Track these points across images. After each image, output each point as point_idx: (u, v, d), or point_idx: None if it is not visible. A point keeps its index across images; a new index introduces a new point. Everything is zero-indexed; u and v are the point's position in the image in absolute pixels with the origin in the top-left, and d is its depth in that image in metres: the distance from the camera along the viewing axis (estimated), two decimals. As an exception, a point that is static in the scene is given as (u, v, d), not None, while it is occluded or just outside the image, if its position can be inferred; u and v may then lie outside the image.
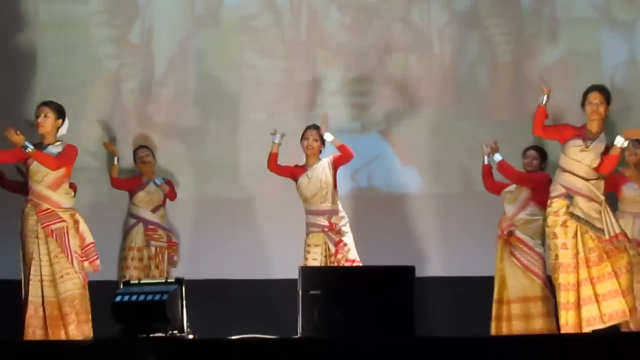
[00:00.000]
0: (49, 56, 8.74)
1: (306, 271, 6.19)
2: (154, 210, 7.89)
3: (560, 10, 8.77)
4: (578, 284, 6.71)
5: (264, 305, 7.74)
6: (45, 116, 7.06)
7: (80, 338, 6.85)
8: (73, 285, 6.95)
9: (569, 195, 6.74)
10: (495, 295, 7.37)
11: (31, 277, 6.90)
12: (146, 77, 8.81)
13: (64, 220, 7.05)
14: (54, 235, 6.98)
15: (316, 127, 7.60)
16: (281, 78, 8.80)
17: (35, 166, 6.91)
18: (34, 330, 6.85)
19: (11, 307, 7.30)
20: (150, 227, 7.82)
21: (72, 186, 7.13)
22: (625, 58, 8.74)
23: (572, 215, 6.70)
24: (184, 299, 5.95)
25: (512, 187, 7.46)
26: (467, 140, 8.46)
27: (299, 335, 5.78)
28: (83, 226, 7.12)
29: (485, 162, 7.53)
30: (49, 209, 6.98)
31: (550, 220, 6.75)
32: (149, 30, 8.85)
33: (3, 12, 8.68)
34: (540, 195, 7.17)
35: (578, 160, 6.69)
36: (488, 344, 5.82)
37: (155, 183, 7.94)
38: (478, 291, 7.71)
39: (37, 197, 6.93)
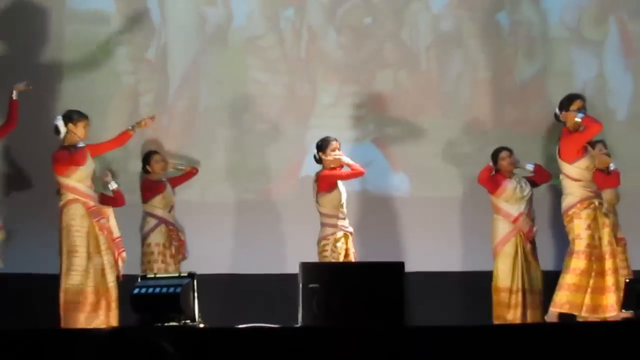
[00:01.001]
0: (74, 72, 8.71)
1: (306, 266, 6.22)
2: (169, 211, 7.88)
3: (535, 31, 8.77)
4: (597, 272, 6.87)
5: (267, 297, 7.74)
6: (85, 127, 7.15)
7: (110, 326, 6.92)
8: (113, 277, 7.04)
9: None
10: (506, 284, 7.42)
11: (77, 267, 6.96)
12: (161, 91, 8.77)
13: (105, 217, 7.14)
14: (104, 230, 7.07)
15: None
16: (283, 92, 8.77)
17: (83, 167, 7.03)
18: (68, 317, 6.91)
19: (43, 298, 7.38)
20: (170, 227, 7.80)
21: None
22: (594, 74, 8.73)
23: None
24: (195, 291, 5.97)
25: (513, 187, 7.54)
26: (452, 148, 8.50)
27: (299, 324, 5.84)
28: (113, 221, 7.19)
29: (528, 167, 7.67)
30: (94, 205, 7.06)
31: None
32: (164, 48, 8.81)
33: (33, 33, 8.63)
34: None
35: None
36: (471, 333, 5.86)
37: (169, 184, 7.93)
38: (461, 284, 7.78)
39: (82, 195, 7.02)
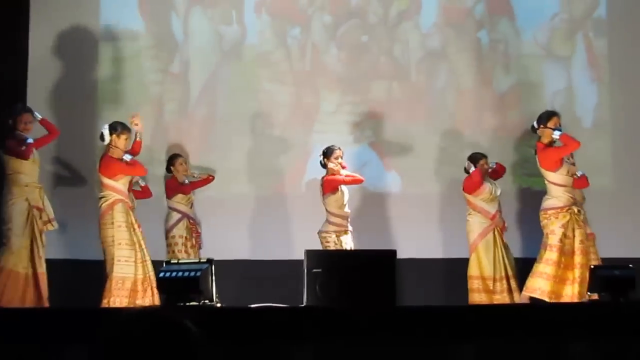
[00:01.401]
0: (108, 83, 8.71)
1: (310, 254, 6.22)
2: (190, 207, 7.84)
3: (511, 47, 8.76)
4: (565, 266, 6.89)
5: (276, 281, 7.74)
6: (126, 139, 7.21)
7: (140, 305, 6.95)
8: (151, 266, 7.09)
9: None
10: (488, 273, 7.40)
11: (121, 258, 7.00)
12: (183, 100, 8.76)
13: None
14: (140, 225, 7.13)
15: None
16: (290, 100, 8.75)
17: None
18: (115, 299, 6.94)
19: (85, 280, 7.41)
20: (192, 221, 7.77)
21: None
22: (563, 86, 8.71)
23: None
24: (213, 275, 5.97)
25: (489, 188, 7.53)
26: (437, 151, 8.50)
27: (304, 304, 5.85)
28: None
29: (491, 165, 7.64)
30: (132, 205, 7.13)
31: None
32: (186, 62, 8.81)
33: (72, 50, 8.63)
34: None
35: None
36: (454, 312, 5.86)
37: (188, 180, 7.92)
38: (445, 269, 7.78)
39: (125, 196, 7.11)
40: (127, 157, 7.21)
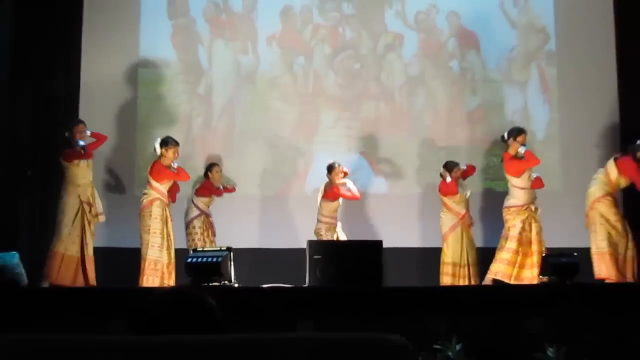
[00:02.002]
0: (145, 103, 8.69)
1: (311, 243, 6.24)
2: (208, 206, 7.76)
3: (478, 74, 8.74)
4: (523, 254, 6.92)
5: (283, 265, 7.72)
6: (166, 151, 7.21)
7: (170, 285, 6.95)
8: (174, 254, 7.11)
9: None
10: (455, 260, 7.36)
11: (154, 244, 7.05)
12: (208, 116, 8.72)
13: None
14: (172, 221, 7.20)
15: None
16: (295, 117, 8.72)
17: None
18: (147, 278, 6.98)
19: (123, 264, 7.40)
20: (209, 218, 7.72)
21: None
22: (520, 105, 8.69)
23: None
24: (232, 260, 5.98)
25: (462, 192, 7.51)
26: (417, 159, 8.48)
27: (306, 285, 5.84)
28: None
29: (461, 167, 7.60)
30: (168, 203, 7.15)
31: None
32: (210, 85, 8.77)
33: (116, 74, 8.62)
34: None
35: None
36: (430, 292, 5.86)
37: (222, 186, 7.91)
38: (423, 256, 7.76)
39: (163, 195, 7.19)
40: (175, 165, 7.30)
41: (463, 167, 7.66)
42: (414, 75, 8.80)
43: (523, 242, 6.99)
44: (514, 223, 7.05)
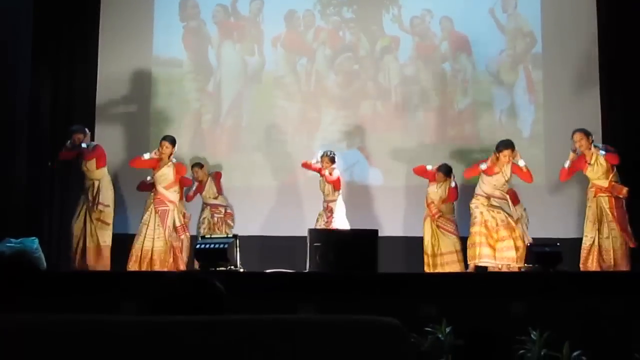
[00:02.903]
0: (158, 100, 8.68)
1: (312, 231, 6.24)
2: (215, 198, 7.80)
3: (468, 75, 8.70)
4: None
5: (285, 251, 7.73)
6: (166, 147, 7.16)
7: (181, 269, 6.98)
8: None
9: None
10: (429, 250, 7.32)
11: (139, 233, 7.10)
12: (216, 113, 8.71)
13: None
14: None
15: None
16: (298, 114, 8.71)
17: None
18: (134, 264, 7.00)
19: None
20: (213, 207, 7.75)
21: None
22: (508, 105, 8.65)
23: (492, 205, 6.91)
24: (237, 247, 5.98)
25: (435, 185, 7.45)
26: (411, 153, 8.43)
27: (307, 270, 5.85)
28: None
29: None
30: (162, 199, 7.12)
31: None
32: (219, 84, 8.76)
33: (131, 73, 8.62)
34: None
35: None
36: (421, 278, 5.86)
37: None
38: (412, 245, 7.73)
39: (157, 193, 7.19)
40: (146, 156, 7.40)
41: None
42: (409, 75, 8.77)
43: (489, 228, 6.95)
44: (480, 211, 7.06)
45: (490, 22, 8.78)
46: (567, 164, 7.13)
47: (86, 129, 7.50)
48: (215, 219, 7.74)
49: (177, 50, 8.78)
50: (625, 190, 6.83)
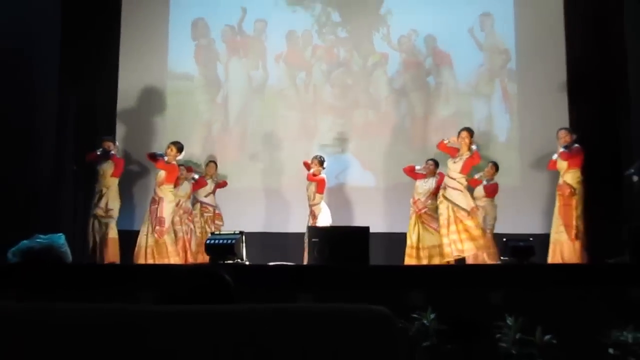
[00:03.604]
0: (172, 110, 8.69)
1: (310, 228, 6.23)
2: (206, 196, 7.78)
3: (450, 87, 8.74)
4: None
5: (285, 246, 7.74)
6: (170, 150, 7.16)
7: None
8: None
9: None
10: (414, 244, 7.30)
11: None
12: (225, 122, 8.73)
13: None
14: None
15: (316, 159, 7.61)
16: (298, 122, 8.72)
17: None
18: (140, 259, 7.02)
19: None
20: (203, 206, 7.72)
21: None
22: (486, 115, 8.70)
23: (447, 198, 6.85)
24: (244, 242, 5.96)
25: (423, 180, 7.42)
26: (399, 156, 8.42)
27: (306, 263, 5.84)
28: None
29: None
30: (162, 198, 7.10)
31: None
32: (227, 95, 8.78)
33: (148, 85, 8.63)
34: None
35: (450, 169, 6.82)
36: (409, 270, 5.85)
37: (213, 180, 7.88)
38: (399, 241, 7.73)
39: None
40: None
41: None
42: (396, 88, 8.81)
43: (450, 222, 6.87)
44: (441, 207, 6.99)
45: (469, 40, 8.82)
46: (554, 156, 7.10)
47: (116, 141, 7.53)
48: (205, 217, 7.72)
49: (190, 65, 8.80)
50: (568, 191, 6.80)
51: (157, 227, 7.03)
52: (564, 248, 6.73)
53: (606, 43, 8.29)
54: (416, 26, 8.83)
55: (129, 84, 8.60)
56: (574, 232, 6.73)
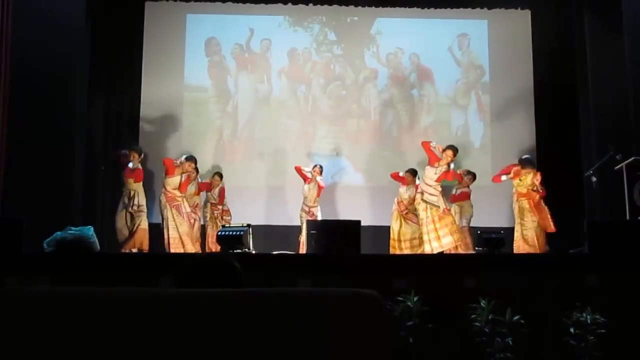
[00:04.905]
0: (188, 118, 8.68)
1: (309, 222, 6.23)
2: (213, 202, 7.69)
3: (432, 99, 8.77)
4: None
5: (286, 238, 7.73)
6: (181, 163, 7.16)
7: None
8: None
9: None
10: (396, 237, 7.32)
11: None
12: (234, 129, 8.71)
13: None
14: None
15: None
16: (298, 130, 8.71)
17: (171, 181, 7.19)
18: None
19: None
20: (213, 205, 7.64)
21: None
22: (462, 123, 8.74)
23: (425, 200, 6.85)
24: (250, 234, 5.96)
25: (405, 187, 7.40)
26: (386, 160, 8.49)
27: (304, 252, 5.83)
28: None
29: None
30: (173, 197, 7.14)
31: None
32: (236, 105, 8.77)
33: (167, 97, 8.62)
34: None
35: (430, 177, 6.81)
36: (395, 258, 5.84)
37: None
38: (384, 233, 7.72)
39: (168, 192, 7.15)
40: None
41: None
42: (385, 99, 8.82)
43: (427, 222, 6.86)
44: (419, 208, 6.96)
45: (448, 57, 8.85)
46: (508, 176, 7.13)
47: (141, 149, 7.48)
48: (215, 214, 7.68)
49: (204, 79, 8.78)
50: (537, 196, 6.87)
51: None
52: (539, 241, 6.81)
53: (569, 60, 8.36)
54: (402, 45, 8.85)
55: (151, 96, 8.60)
56: (551, 224, 6.86)
